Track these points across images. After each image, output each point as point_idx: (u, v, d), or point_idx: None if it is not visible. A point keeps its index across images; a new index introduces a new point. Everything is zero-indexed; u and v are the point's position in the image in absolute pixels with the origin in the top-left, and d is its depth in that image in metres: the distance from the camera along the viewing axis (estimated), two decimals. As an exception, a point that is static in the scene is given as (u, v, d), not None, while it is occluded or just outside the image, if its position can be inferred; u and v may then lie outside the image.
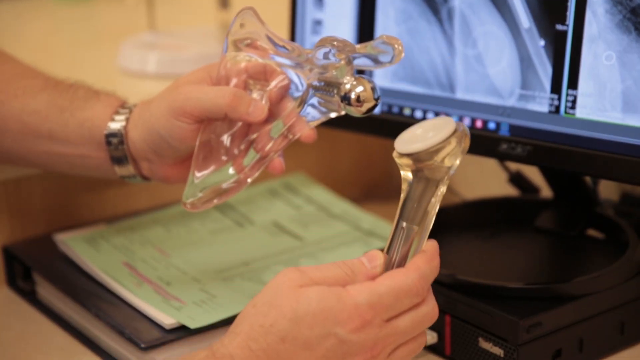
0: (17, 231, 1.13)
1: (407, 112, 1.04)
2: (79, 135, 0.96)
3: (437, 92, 1.02)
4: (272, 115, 0.92)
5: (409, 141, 0.78)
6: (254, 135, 0.92)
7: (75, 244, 1.07)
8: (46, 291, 1.07)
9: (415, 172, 0.78)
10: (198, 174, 0.92)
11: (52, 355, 0.98)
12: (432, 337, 0.95)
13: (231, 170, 0.92)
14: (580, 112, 0.92)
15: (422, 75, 1.03)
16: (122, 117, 0.95)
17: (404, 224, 0.78)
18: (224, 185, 0.92)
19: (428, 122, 0.79)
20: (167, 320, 0.95)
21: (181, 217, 1.16)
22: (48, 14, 1.80)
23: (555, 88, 0.94)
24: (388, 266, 0.78)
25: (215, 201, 0.92)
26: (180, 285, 1.02)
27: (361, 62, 0.86)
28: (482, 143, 0.99)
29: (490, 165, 1.18)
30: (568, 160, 0.93)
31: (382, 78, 1.06)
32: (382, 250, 0.79)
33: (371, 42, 0.84)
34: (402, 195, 0.79)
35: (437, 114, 1.02)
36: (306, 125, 0.90)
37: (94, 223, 1.13)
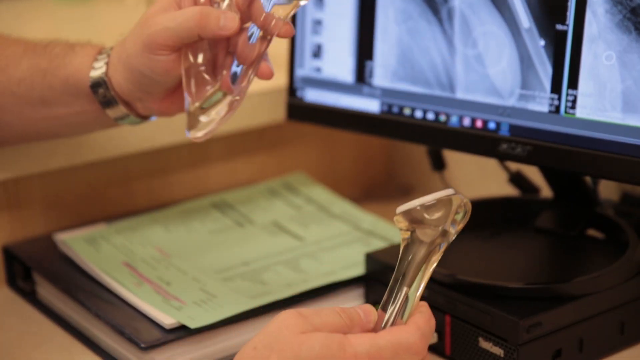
0: (17, 231, 1.13)
1: (407, 112, 1.04)
2: (67, 94, 0.95)
3: (437, 92, 1.02)
4: (245, 22, 0.89)
5: (409, 204, 0.79)
6: (231, 57, 0.90)
7: (75, 244, 1.07)
8: (46, 291, 1.06)
9: (410, 233, 0.79)
10: (194, 102, 0.89)
11: (52, 355, 0.98)
12: (432, 337, 0.95)
13: (223, 90, 0.90)
14: (581, 112, 0.92)
15: (422, 75, 1.03)
16: (102, 64, 0.94)
17: (398, 285, 0.79)
18: (219, 109, 0.89)
19: (435, 194, 0.79)
20: (167, 320, 0.95)
21: (181, 217, 1.16)
22: (48, 14, 1.79)
23: (556, 88, 0.94)
24: (381, 322, 0.79)
25: (213, 126, 0.89)
26: (180, 285, 1.02)
27: None
28: (482, 143, 0.99)
29: (490, 165, 1.18)
30: (568, 160, 0.93)
31: (382, 78, 1.06)
32: (378, 303, 0.80)
33: None
34: (399, 256, 0.80)
35: (437, 114, 1.02)
36: (280, 22, 0.88)
37: (94, 223, 1.13)
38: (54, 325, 1.03)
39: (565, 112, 0.93)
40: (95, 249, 1.07)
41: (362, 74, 1.07)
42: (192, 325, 0.94)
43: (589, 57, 0.91)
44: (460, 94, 1.00)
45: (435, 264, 0.79)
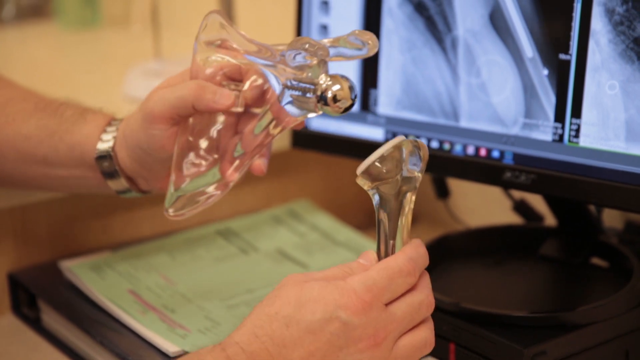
0: (22, 258, 1.13)
1: (411, 140, 1.05)
2: (71, 159, 0.95)
3: (441, 121, 1.02)
4: (253, 106, 0.90)
5: (365, 163, 0.80)
6: (228, 141, 0.90)
7: (80, 271, 1.08)
8: (51, 318, 1.07)
9: (376, 191, 0.80)
10: (178, 180, 0.89)
11: (56, 383, 0.98)
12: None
13: (215, 174, 0.90)
14: (584, 141, 0.93)
15: (426, 104, 1.03)
16: (110, 137, 0.94)
17: (383, 241, 0.81)
18: (207, 190, 0.90)
19: (385, 145, 0.80)
20: (172, 348, 0.95)
21: (186, 245, 1.16)
22: (53, 40, 1.80)
23: (559, 117, 0.94)
24: None
25: (199, 207, 0.89)
26: (185, 313, 1.02)
27: (333, 54, 0.84)
28: (486, 171, 0.99)
29: (494, 193, 1.18)
30: (572, 188, 0.94)
31: (387, 106, 1.06)
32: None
33: (345, 37, 0.83)
34: (376, 216, 0.81)
35: (441, 142, 1.03)
36: (290, 116, 0.87)
37: (99, 250, 1.13)
38: (58, 352, 1.04)
39: (569, 141, 0.94)
40: (100, 276, 1.08)
41: (366, 102, 1.08)
42: (197, 353, 0.94)
43: (592, 86, 0.92)
44: (464, 123, 1.01)
45: (411, 210, 0.80)
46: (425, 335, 0.80)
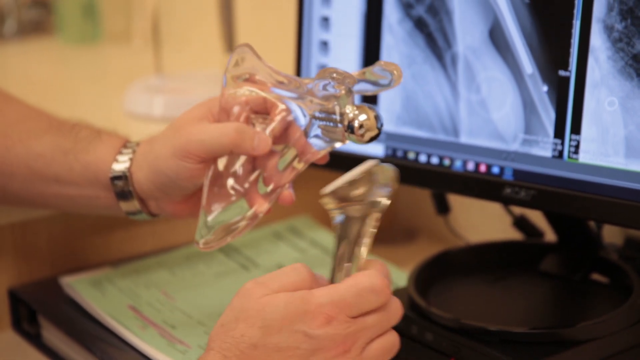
0: (23, 274, 1.13)
1: (411, 156, 1.05)
2: (85, 179, 0.96)
3: (441, 137, 1.03)
4: (277, 143, 0.92)
5: (334, 184, 0.81)
6: (256, 173, 0.92)
7: (80, 287, 1.08)
8: (52, 334, 1.07)
9: (340, 211, 0.81)
10: (209, 213, 0.92)
11: (56, 399, 0.98)
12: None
13: (244, 206, 0.92)
14: (584, 157, 0.93)
15: (426, 120, 1.03)
16: (126, 158, 0.95)
17: (339, 262, 0.82)
18: (237, 221, 0.92)
19: (357, 168, 0.81)
20: (172, 364, 0.95)
21: (186, 260, 1.16)
22: (54, 55, 1.81)
23: (559, 133, 0.94)
24: None
25: (228, 239, 0.92)
26: (186, 329, 1.02)
27: (361, 87, 0.86)
28: (486, 187, 0.99)
29: (494, 209, 1.18)
30: (571, 205, 0.94)
31: (387, 122, 1.06)
32: None
33: (370, 68, 0.86)
34: (337, 235, 0.82)
35: (441, 158, 1.03)
36: (314, 150, 0.90)
37: (100, 266, 1.14)
38: (59, 368, 1.04)
39: (569, 157, 0.94)
40: (101, 292, 1.08)
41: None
42: (197, 369, 0.94)
43: (591, 102, 0.92)
44: (464, 139, 1.01)
45: (373, 235, 0.81)
46: (394, 338, 0.81)
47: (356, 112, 0.86)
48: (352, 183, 0.79)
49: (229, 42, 1.41)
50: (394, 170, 0.81)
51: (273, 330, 0.77)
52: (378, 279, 0.79)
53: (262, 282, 0.80)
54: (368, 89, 0.87)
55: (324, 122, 0.88)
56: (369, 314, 0.79)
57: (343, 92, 0.86)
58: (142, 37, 1.75)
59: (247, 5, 1.52)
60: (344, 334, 0.78)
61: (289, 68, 1.12)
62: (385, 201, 0.81)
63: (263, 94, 0.91)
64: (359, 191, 0.80)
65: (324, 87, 0.87)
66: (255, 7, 1.68)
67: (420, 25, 1.02)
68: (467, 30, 0.99)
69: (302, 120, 0.90)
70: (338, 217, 0.81)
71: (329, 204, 0.80)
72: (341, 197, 0.80)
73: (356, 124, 0.85)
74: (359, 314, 0.79)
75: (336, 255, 0.82)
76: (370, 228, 0.81)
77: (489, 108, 0.99)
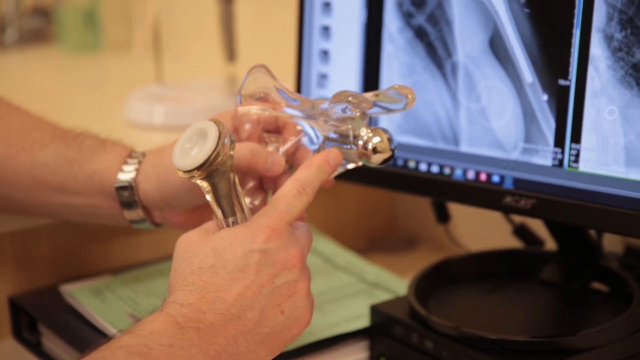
0: (23, 282, 1.13)
1: (411, 164, 1.05)
2: (89, 188, 0.96)
3: (441, 145, 1.03)
4: (288, 163, 0.93)
5: (184, 157, 0.82)
6: (263, 195, 0.93)
7: (80, 295, 1.08)
8: (52, 343, 1.07)
9: (207, 177, 0.82)
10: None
11: (56, 407, 0.98)
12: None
13: None
14: (584, 166, 0.93)
15: (427, 129, 1.04)
16: (132, 168, 0.96)
17: (228, 220, 0.83)
18: None
19: (189, 132, 0.83)
20: (172, 372, 0.94)
21: (186, 269, 1.16)
22: (55, 64, 1.81)
23: (559, 142, 0.95)
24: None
25: None
26: (186, 337, 1.01)
27: (374, 110, 0.88)
28: (486, 196, 1.00)
29: (494, 217, 1.18)
30: (572, 213, 0.94)
31: (387, 131, 1.06)
32: None
33: (384, 91, 0.87)
34: (209, 199, 0.83)
35: (441, 167, 1.03)
36: None
37: (100, 274, 1.14)
38: (59, 377, 1.04)
39: (569, 165, 0.94)
40: (101, 300, 1.08)
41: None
42: (197, 377, 0.93)
43: (591, 111, 0.92)
44: (464, 147, 1.01)
45: (237, 182, 0.83)
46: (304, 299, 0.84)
47: (370, 134, 0.87)
48: (212, 152, 0.80)
49: (230, 51, 1.41)
50: (217, 123, 0.81)
51: (228, 254, 0.79)
52: (294, 184, 0.83)
53: (191, 232, 0.83)
54: (381, 111, 0.88)
55: (338, 143, 0.89)
56: (299, 225, 0.84)
57: (358, 114, 0.87)
58: (143, 46, 1.75)
59: (247, 14, 1.52)
60: (294, 243, 0.81)
61: (290, 77, 1.12)
62: (232, 153, 0.82)
63: (276, 113, 0.92)
64: (202, 153, 0.80)
65: (342, 111, 0.88)
66: (256, 16, 1.68)
67: (420, 34, 1.03)
68: (467, 40, 1.00)
69: (315, 141, 0.91)
70: (203, 184, 0.82)
71: (194, 176, 0.81)
72: (206, 167, 0.81)
73: (370, 146, 0.87)
74: (294, 218, 0.83)
75: (225, 215, 0.83)
76: (233, 177, 0.83)
77: (489, 117, 0.99)
